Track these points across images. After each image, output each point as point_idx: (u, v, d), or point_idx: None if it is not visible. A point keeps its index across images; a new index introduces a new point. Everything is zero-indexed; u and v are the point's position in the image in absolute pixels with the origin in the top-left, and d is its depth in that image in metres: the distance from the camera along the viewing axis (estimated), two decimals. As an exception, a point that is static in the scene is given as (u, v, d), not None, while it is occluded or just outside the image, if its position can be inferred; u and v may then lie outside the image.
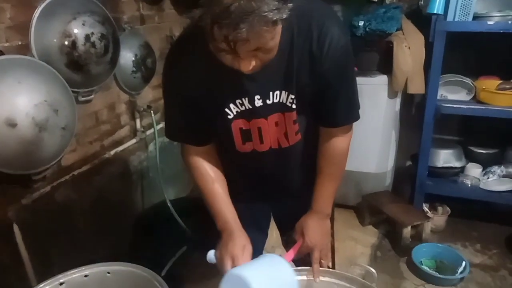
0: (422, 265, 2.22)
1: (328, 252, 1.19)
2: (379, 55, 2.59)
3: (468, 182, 2.54)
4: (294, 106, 1.00)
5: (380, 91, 2.55)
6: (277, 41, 0.84)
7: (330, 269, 1.15)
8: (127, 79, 1.96)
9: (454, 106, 2.38)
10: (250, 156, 1.08)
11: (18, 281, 1.42)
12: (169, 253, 1.91)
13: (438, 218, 2.58)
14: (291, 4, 0.76)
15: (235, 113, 1.01)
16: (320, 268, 1.13)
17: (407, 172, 2.88)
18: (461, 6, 2.19)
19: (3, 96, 1.23)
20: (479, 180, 2.53)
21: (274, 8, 0.71)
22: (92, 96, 1.69)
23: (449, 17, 2.23)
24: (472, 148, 2.68)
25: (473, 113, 2.36)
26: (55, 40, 1.45)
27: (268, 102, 0.99)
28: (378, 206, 2.58)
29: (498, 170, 2.53)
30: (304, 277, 1.13)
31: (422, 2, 2.54)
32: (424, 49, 2.41)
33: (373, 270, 1.11)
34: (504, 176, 2.52)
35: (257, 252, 1.43)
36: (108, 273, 1.15)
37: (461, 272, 2.11)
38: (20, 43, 1.38)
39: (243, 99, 0.99)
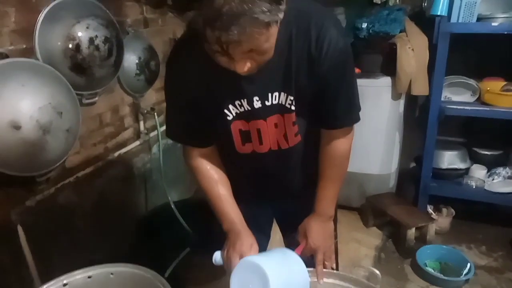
0: (427, 267, 2.21)
1: (332, 254, 1.19)
2: (382, 57, 2.59)
3: (473, 184, 2.53)
4: (293, 108, 1.00)
5: (384, 93, 2.55)
6: (272, 43, 0.84)
7: (335, 271, 1.15)
8: (130, 81, 1.97)
9: (459, 107, 2.38)
10: (250, 157, 1.09)
11: (21, 282, 1.43)
12: (172, 255, 1.91)
13: (442, 220, 2.57)
14: (284, 6, 0.76)
15: (234, 115, 1.02)
16: (324, 270, 1.13)
17: (411, 174, 2.87)
18: (465, 7, 2.19)
19: (8, 99, 1.24)
20: (484, 182, 2.52)
21: (266, 10, 0.72)
22: (96, 98, 1.69)
23: (453, 19, 2.23)
24: (476, 149, 2.67)
25: (478, 114, 2.35)
26: (59, 43, 1.46)
27: (267, 103, 0.99)
28: (382, 207, 2.57)
29: (503, 171, 2.52)
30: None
31: (425, 4, 2.54)
32: (427, 50, 2.41)
33: (378, 272, 1.11)
34: (509, 178, 2.51)
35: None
36: (112, 274, 1.15)
37: (466, 274, 2.10)
38: (24, 46, 1.39)
39: (242, 100, 0.99)
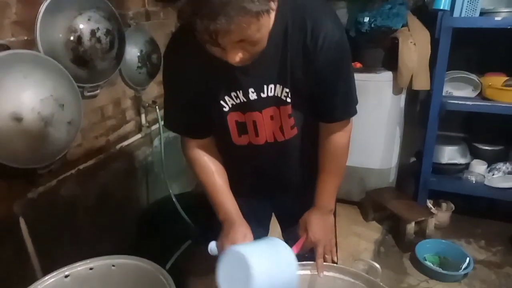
0: (426, 261, 2.22)
1: (332, 247, 1.19)
2: (384, 51, 2.57)
3: (473, 179, 2.53)
4: (289, 100, 1.00)
5: (385, 87, 2.54)
6: (264, 33, 0.84)
7: (335, 264, 1.16)
8: (132, 74, 1.97)
9: (460, 102, 2.37)
10: (247, 149, 1.09)
11: (24, 273, 1.44)
12: (173, 247, 1.92)
13: (442, 215, 2.58)
14: None
15: (230, 106, 1.02)
16: (324, 263, 1.14)
17: (411, 169, 2.87)
18: (468, 1, 2.17)
19: (9, 90, 1.24)
20: (484, 177, 2.53)
21: (254, 0, 0.72)
22: (98, 91, 1.69)
23: (456, 13, 2.22)
24: (477, 144, 2.67)
25: (479, 109, 2.35)
26: (60, 36, 1.46)
27: (263, 95, 0.99)
28: (382, 202, 2.58)
29: (503, 167, 2.52)
30: (308, 272, 1.14)
31: (428, -2, 2.53)
32: (429, 45, 2.40)
33: (378, 266, 1.11)
34: (509, 173, 2.51)
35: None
36: (113, 266, 1.16)
37: (464, 269, 2.11)
38: (25, 38, 1.39)
39: (237, 92, 0.99)
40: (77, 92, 1.49)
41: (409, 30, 2.46)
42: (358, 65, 2.68)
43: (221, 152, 1.16)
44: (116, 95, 1.94)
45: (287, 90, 0.99)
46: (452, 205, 2.61)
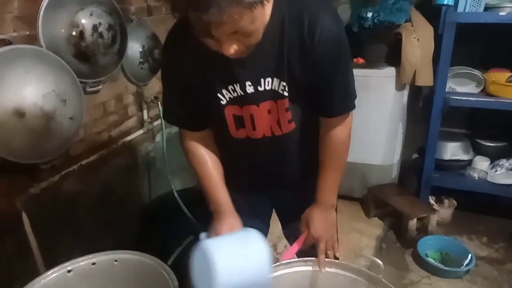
0: (428, 257, 2.22)
1: (334, 243, 1.19)
2: (387, 47, 2.56)
3: (476, 175, 2.52)
4: (286, 94, 1.00)
5: (388, 83, 2.53)
6: (259, 25, 0.84)
7: (337, 261, 1.15)
8: (134, 70, 1.96)
9: (463, 98, 2.36)
10: (245, 143, 1.09)
11: (26, 269, 1.44)
12: (175, 243, 1.92)
13: (444, 211, 2.58)
14: None
15: (227, 99, 1.02)
16: (326, 259, 1.14)
17: (414, 165, 2.86)
18: (472, -4, 2.16)
19: (11, 85, 1.24)
20: (487, 173, 2.52)
21: None
22: (100, 86, 1.69)
23: (460, 8, 2.20)
24: (480, 141, 2.66)
25: (482, 105, 2.33)
26: (62, 31, 1.45)
27: (260, 89, 0.99)
28: (383, 198, 2.57)
29: (506, 163, 2.51)
30: (310, 268, 1.14)
31: (432, -7, 2.51)
32: (433, 41, 2.39)
33: (380, 262, 1.11)
34: (512, 170, 2.50)
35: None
36: (116, 261, 1.17)
37: (466, 265, 2.11)
38: (27, 33, 1.39)
39: (234, 85, 1.00)
40: (79, 87, 1.49)
41: (412, 25, 2.44)
42: (361, 60, 2.67)
43: (219, 146, 1.16)
44: (118, 91, 1.94)
45: (284, 84, 0.99)
46: (455, 202, 2.60)
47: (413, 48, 2.38)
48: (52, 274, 1.10)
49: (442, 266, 2.14)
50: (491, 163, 2.56)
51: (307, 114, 1.07)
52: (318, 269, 1.13)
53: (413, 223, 2.36)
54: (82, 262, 1.15)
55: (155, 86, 2.20)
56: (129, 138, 2.03)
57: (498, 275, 2.16)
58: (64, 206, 1.63)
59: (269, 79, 0.99)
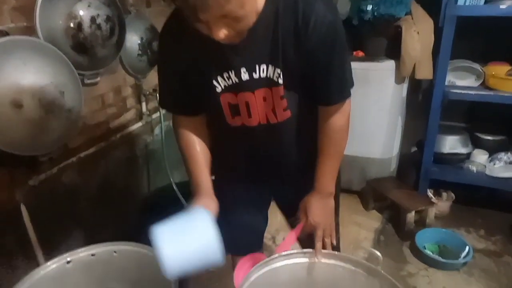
0: (426, 249, 2.23)
1: (332, 231, 1.19)
2: (387, 40, 2.56)
3: (474, 169, 2.53)
4: (280, 81, 1.00)
5: (388, 76, 2.53)
6: (249, 10, 0.84)
7: (336, 252, 1.15)
8: (133, 62, 1.95)
9: (462, 92, 2.36)
10: (241, 131, 1.10)
11: (26, 260, 1.45)
12: (174, 235, 1.93)
13: (442, 204, 2.59)
14: None
15: (223, 87, 1.03)
16: (325, 251, 1.14)
17: (412, 158, 2.87)
18: (473, -11, 2.15)
19: (9, 77, 1.23)
20: (485, 167, 2.53)
21: None
22: (98, 79, 1.68)
23: (460, 1, 2.20)
24: (478, 134, 2.66)
25: (482, 99, 2.33)
26: (60, 22, 1.44)
27: (255, 76, 1.00)
28: (382, 191, 2.58)
29: (504, 156, 2.52)
30: (306, 259, 1.14)
31: (432, -14, 2.49)
32: (433, 34, 2.38)
33: (379, 254, 1.11)
34: (510, 163, 2.50)
35: (257, 233, 1.44)
36: (115, 252, 1.17)
37: (464, 257, 2.12)
38: (25, 24, 1.38)
39: (229, 72, 1.00)
40: (77, 79, 1.49)
41: (412, 18, 2.43)
42: (361, 53, 2.67)
43: (216, 134, 1.17)
44: (117, 83, 1.93)
45: (279, 71, 0.99)
46: (453, 195, 2.61)
47: (413, 41, 2.37)
48: (52, 265, 1.11)
49: (439, 258, 2.16)
50: (489, 157, 2.57)
51: (303, 103, 1.07)
52: (314, 261, 1.13)
53: (411, 216, 2.37)
54: (82, 254, 1.16)
55: (153, 78, 2.19)
56: (127, 130, 2.03)
57: (495, 267, 2.17)
58: (63, 198, 1.63)
59: (264, 66, 0.99)
